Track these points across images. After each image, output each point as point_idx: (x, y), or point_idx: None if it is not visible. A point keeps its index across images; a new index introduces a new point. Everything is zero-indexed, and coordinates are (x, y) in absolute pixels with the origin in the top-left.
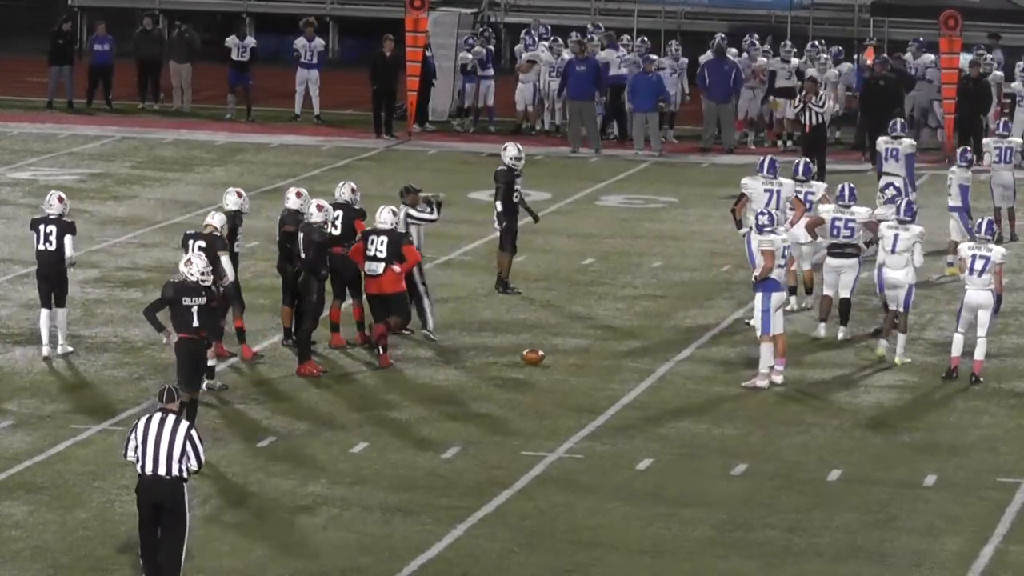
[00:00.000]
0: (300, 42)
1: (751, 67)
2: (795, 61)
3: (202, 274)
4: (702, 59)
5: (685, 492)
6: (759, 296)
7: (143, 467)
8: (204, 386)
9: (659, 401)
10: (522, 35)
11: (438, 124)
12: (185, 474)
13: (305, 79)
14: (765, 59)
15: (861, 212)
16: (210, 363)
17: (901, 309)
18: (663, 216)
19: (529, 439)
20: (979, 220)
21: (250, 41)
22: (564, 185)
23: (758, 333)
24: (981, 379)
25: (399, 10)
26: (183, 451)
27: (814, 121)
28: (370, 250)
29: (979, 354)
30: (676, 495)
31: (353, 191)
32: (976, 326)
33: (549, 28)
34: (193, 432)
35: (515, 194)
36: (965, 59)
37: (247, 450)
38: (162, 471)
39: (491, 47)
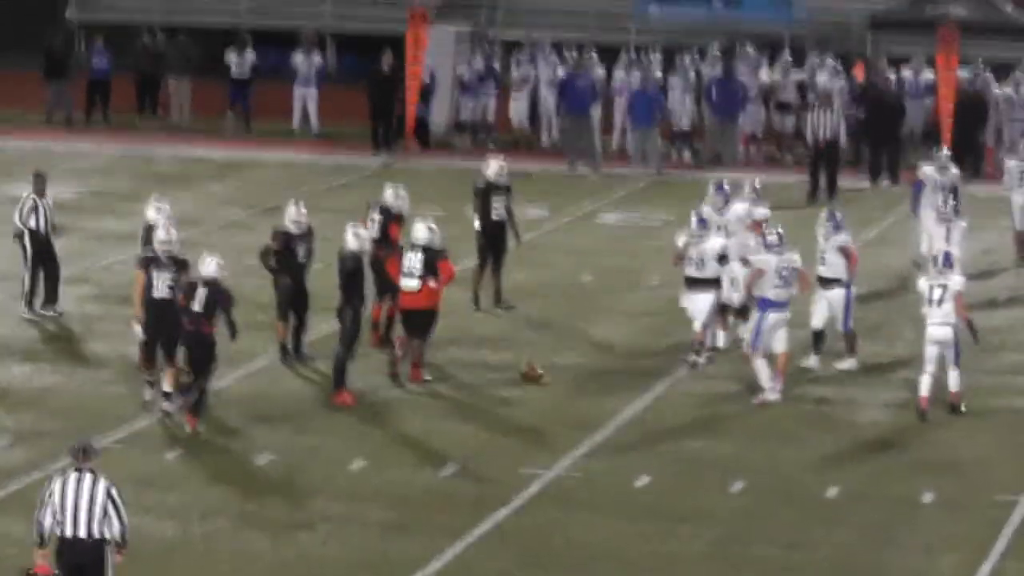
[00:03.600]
0: (298, 58)
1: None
2: (795, 76)
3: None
4: (709, 76)
5: (683, 509)
6: (754, 313)
7: (63, 530)
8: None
9: (657, 418)
10: (533, 51)
11: (436, 140)
12: (107, 535)
13: (303, 95)
14: (764, 73)
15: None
16: (166, 388)
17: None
18: (661, 233)
19: (527, 456)
20: (936, 254)
21: (249, 57)
22: (563, 202)
23: (746, 349)
24: (963, 409)
25: (398, 26)
26: (104, 512)
27: (827, 136)
28: (405, 266)
29: (953, 384)
30: (674, 512)
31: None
32: (944, 361)
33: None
34: (114, 491)
35: (493, 211)
36: (963, 75)
37: (246, 467)
38: (82, 533)
39: (493, 64)
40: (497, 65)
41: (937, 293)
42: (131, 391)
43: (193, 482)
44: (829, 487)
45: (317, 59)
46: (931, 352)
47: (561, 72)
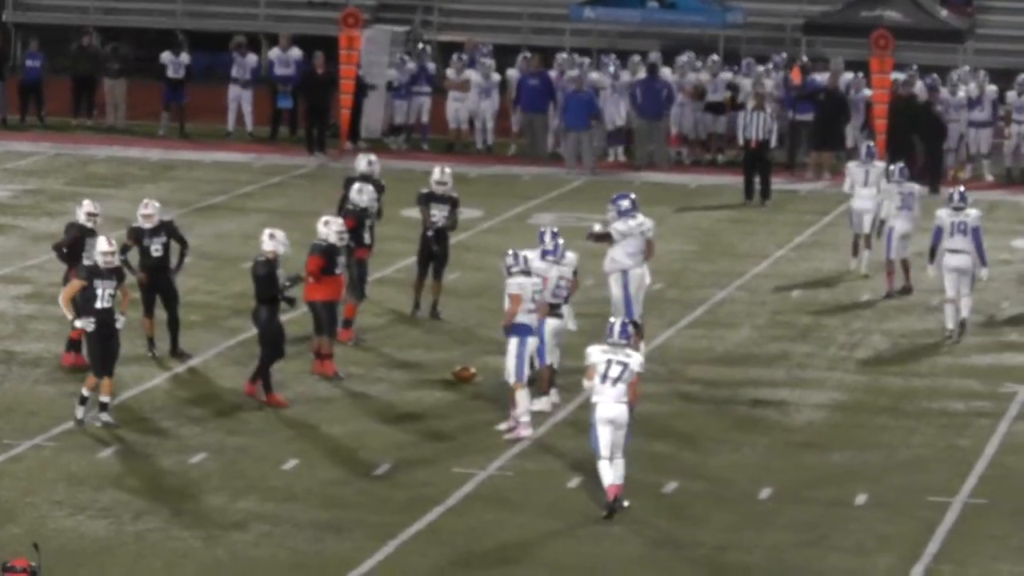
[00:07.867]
0: (233, 59)
1: (680, 84)
2: (724, 75)
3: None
4: (636, 78)
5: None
6: (513, 341)
7: None
8: (101, 420)
9: (589, 419)
10: (472, 53)
11: (370, 142)
12: None
13: (238, 96)
14: (695, 75)
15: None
16: (101, 398)
17: (867, 231)
18: None
19: (460, 456)
20: (612, 323)
21: (185, 58)
22: (496, 203)
23: (511, 380)
24: (626, 503)
25: (332, 28)
26: None
27: (760, 136)
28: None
29: (617, 477)
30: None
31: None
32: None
33: (491, 48)
34: None
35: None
36: (897, 78)
37: (179, 466)
38: None
39: (428, 64)
40: (432, 67)
41: (616, 370)
42: (65, 391)
43: (126, 481)
44: (762, 488)
45: (252, 60)
46: (604, 436)
47: (496, 76)
